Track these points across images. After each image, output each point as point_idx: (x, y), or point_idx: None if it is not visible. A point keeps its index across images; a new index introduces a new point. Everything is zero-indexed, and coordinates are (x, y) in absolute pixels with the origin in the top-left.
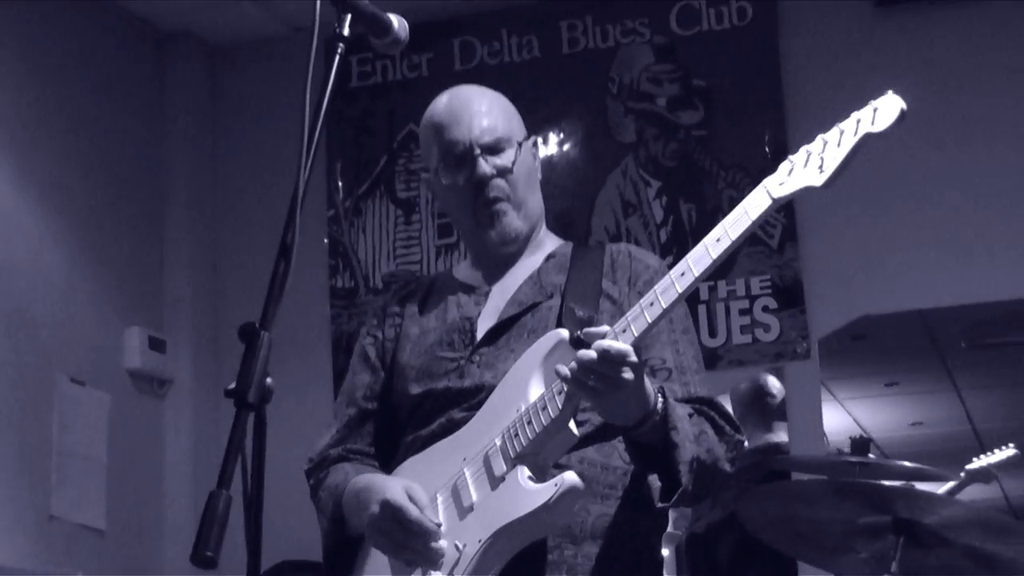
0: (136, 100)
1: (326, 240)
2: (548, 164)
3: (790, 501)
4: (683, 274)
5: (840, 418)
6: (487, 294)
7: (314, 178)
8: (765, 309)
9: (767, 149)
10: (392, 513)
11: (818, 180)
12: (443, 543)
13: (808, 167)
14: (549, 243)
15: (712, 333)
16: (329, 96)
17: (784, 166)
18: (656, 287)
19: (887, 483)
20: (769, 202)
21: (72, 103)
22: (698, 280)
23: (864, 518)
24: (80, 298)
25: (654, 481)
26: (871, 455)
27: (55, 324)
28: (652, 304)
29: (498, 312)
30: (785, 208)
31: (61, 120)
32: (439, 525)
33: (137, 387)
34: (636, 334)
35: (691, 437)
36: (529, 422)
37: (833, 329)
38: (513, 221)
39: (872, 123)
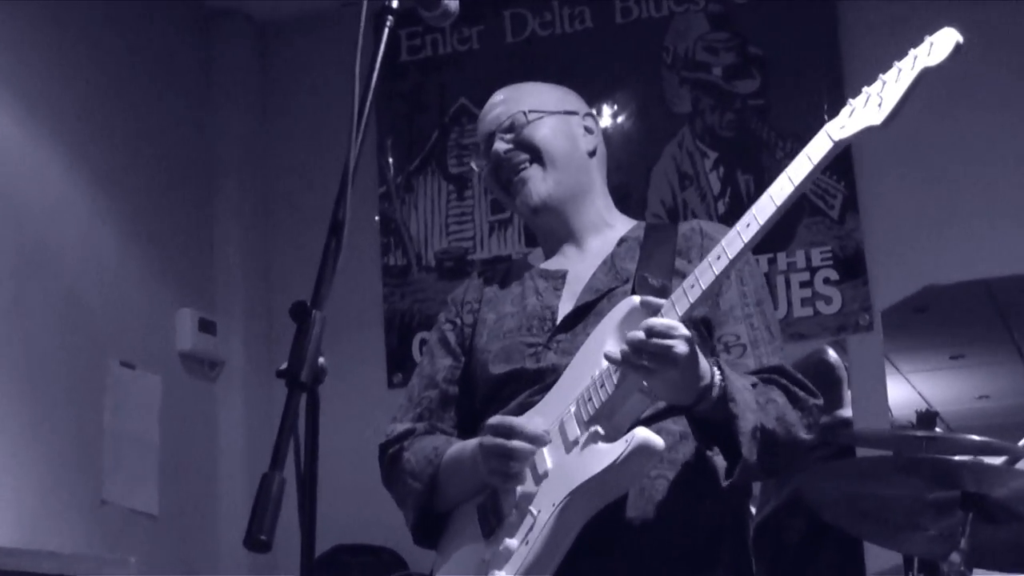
0: (184, 79)
1: (377, 218)
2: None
3: (854, 478)
4: (748, 225)
5: (904, 392)
6: (564, 278)
7: (365, 155)
8: (826, 281)
9: (826, 118)
10: (494, 429)
11: (878, 118)
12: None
13: (868, 106)
14: (620, 225)
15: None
16: (378, 71)
17: (845, 109)
18: (723, 240)
19: (954, 457)
20: (830, 145)
21: (120, 84)
22: (763, 229)
23: (931, 494)
24: (130, 280)
25: (719, 462)
26: (937, 429)
27: (105, 307)
28: (719, 257)
29: (575, 299)
30: (845, 177)
31: (110, 102)
32: (546, 432)
33: (188, 369)
34: (704, 287)
35: (752, 407)
36: (602, 386)
37: (896, 300)
38: (537, 184)
39: (928, 56)
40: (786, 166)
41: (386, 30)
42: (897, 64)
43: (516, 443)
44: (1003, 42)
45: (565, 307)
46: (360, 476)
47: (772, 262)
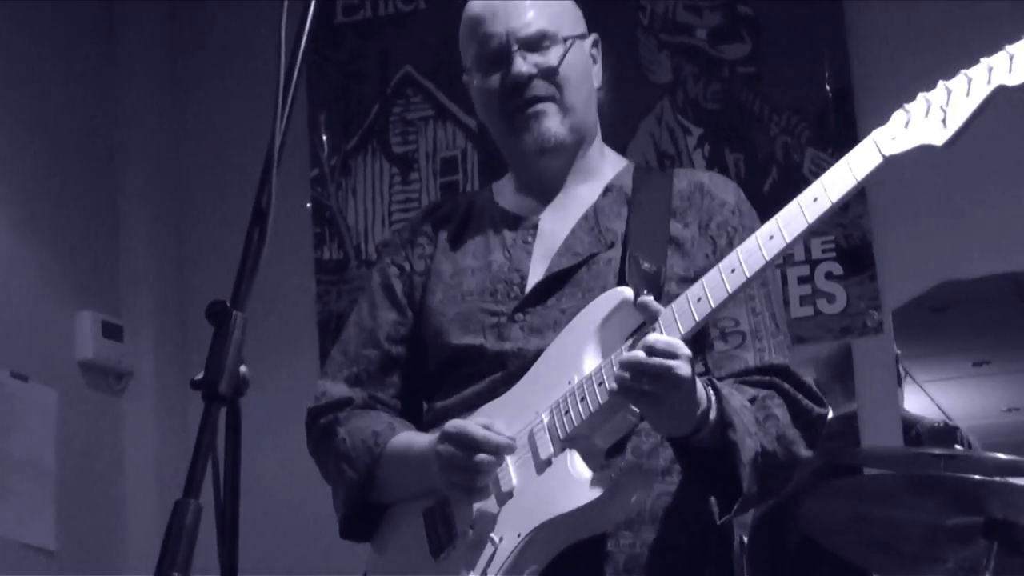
0: (84, 50)
1: (309, 204)
2: None
3: (861, 500)
4: (772, 237)
5: (920, 403)
6: (535, 228)
7: (294, 132)
8: (828, 276)
9: (827, 88)
10: (455, 441)
11: (939, 138)
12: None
13: (929, 120)
14: (607, 167)
15: (780, 292)
16: (308, 34)
17: (898, 117)
18: (739, 250)
19: (977, 477)
20: (879, 160)
21: (9, 57)
22: (789, 247)
23: (950, 520)
24: (22, 279)
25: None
26: (958, 446)
27: None
28: (734, 271)
29: (549, 258)
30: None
31: None
32: (512, 440)
33: (90, 381)
34: (713, 305)
35: (751, 429)
36: (583, 399)
37: (910, 298)
38: (554, 126)
39: (1009, 72)
40: (781, 142)
41: None
42: (965, 73)
43: (482, 457)
44: None
45: (537, 269)
46: (289, 502)
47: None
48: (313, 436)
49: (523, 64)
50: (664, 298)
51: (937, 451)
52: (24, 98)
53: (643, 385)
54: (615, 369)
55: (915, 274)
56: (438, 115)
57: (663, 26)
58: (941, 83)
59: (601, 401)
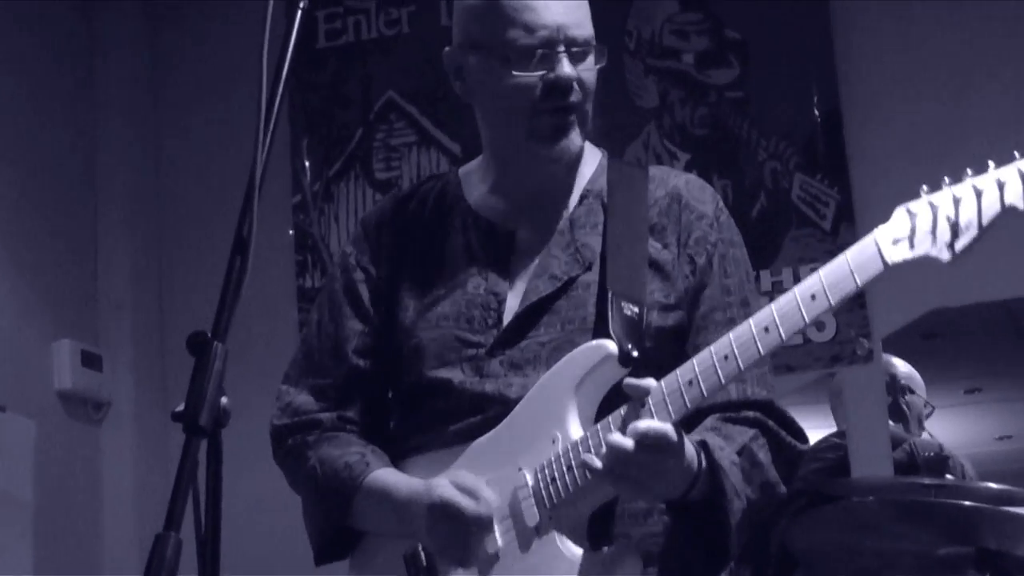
0: (62, 70)
1: (291, 231)
2: None
3: (850, 530)
4: (767, 330)
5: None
6: (511, 241)
7: (275, 158)
8: None
9: (816, 112)
10: (444, 513)
11: (945, 256)
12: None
13: (936, 235)
14: (585, 167)
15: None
16: (290, 59)
17: (902, 219)
18: (732, 337)
19: (968, 504)
20: (880, 269)
21: None
22: (784, 342)
23: (941, 550)
24: None
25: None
26: (949, 476)
27: None
28: (727, 358)
29: (526, 279)
30: (839, 181)
31: None
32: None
33: (68, 411)
34: (705, 392)
35: (738, 489)
36: (569, 467)
37: (900, 326)
38: (576, 139)
39: (1020, 199)
40: (770, 168)
41: (299, 10)
42: (974, 183)
43: (472, 537)
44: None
45: (514, 290)
46: (271, 532)
47: (756, 281)
48: (279, 452)
49: (568, 67)
50: (647, 335)
51: (927, 481)
52: (2, 128)
53: (630, 472)
54: (603, 449)
55: (905, 302)
56: (421, 141)
57: (650, 50)
58: (947, 188)
59: (589, 476)
